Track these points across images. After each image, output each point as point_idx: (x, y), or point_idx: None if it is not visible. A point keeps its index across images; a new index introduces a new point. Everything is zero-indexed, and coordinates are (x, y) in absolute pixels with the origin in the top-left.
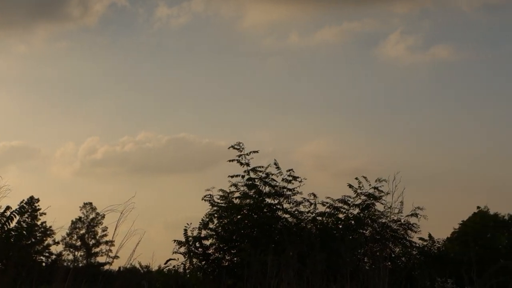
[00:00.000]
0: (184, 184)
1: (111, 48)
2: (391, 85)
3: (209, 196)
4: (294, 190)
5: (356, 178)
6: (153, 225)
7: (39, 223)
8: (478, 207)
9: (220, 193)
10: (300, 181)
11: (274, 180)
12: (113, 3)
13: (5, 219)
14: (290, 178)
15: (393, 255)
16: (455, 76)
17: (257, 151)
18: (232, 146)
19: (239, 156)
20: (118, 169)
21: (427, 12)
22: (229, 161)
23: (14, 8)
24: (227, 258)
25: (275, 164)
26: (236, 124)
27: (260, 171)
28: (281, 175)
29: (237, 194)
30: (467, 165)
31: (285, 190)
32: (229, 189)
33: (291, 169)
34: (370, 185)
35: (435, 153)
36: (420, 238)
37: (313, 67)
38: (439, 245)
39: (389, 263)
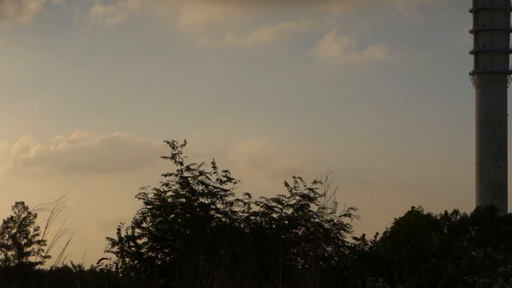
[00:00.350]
0: (119, 183)
1: (45, 47)
2: (326, 85)
3: (143, 195)
4: (228, 191)
5: (294, 177)
6: (87, 224)
7: None
8: (412, 207)
9: (154, 191)
10: (235, 183)
11: (208, 179)
12: (48, 1)
13: None
14: (225, 179)
15: (325, 255)
16: (390, 77)
17: (184, 144)
18: (167, 142)
19: (173, 154)
20: (51, 168)
21: (363, 13)
22: (163, 157)
23: None
24: (160, 257)
25: (212, 163)
26: (171, 123)
27: (194, 170)
28: (216, 174)
29: (170, 193)
30: (401, 165)
31: (219, 190)
32: (163, 188)
33: (227, 171)
34: (305, 186)
35: (370, 153)
36: (354, 238)
37: (249, 67)
38: (371, 244)
39: (322, 262)
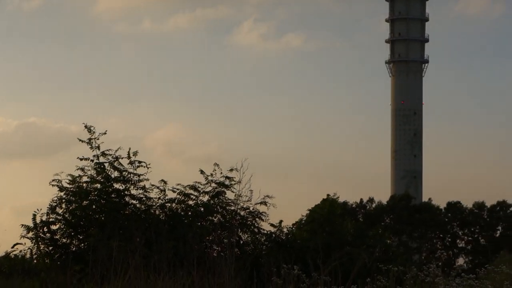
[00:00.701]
0: (35, 169)
1: None
2: (243, 73)
3: (57, 181)
4: (141, 176)
5: (215, 164)
6: (1, 210)
7: None
8: (328, 195)
9: (69, 177)
10: (147, 167)
11: (121, 165)
12: None
13: None
14: (136, 162)
15: (241, 242)
16: (307, 65)
17: (105, 132)
18: (85, 126)
19: (90, 139)
20: None
21: (281, 1)
22: (80, 140)
23: None
24: (74, 243)
25: (128, 154)
26: (88, 109)
27: (110, 155)
28: (133, 157)
29: (85, 179)
30: (318, 153)
31: (132, 175)
32: (78, 174)
33: (136, 151)
34: (221, 173)
35: (287, 141)
36: (271, 225)
37: (166, 54)
38: (287, 232)
39: (237, 249)
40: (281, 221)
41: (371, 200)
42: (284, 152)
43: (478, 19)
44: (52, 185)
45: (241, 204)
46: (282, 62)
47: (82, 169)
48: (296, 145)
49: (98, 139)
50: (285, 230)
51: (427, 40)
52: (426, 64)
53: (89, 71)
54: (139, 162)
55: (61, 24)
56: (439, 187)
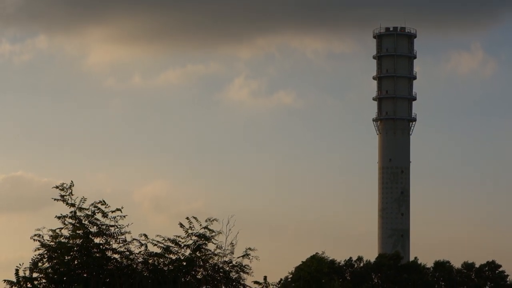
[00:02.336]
0: (20, 223)
1: None
2: (234, 129)
3: (38, 236)
4: (122, 229)
5: (187, 218)
6: None
7: None
8: (316, 253)
9: (50, 233)
10: (121, 216)
11: (98, 220)
12: None
13: None
14: (109, 213)
15: None
16: (296, 122)
17: (72, 185)
18: (56, 186)
19: (63, 196)
20: None
21: (272, 58)
22: (54, 199)
23: None
24: None
25: (103, 202)
26: (76, 164)
27: (87, 209)
28: (108, 211)
29: (66, 233)
30: (304, 210)
31: (112, 228)
32: (60, 230)
33: (104, 203)
34: (201, 225)
35: (274, 198)
36: (255, 282)
37: (155, 109)
38: None
39: None
40: (265, 277)
41: (359, 259)
42: (271, 209)
43: (469, 78)
44: (34, 240)
45: (224, 257)
46: (272, 119)
47: (66, 225)
48: (282, 202)
49: (72, 194)
50: (271, 287)
51: (414, 98)
52: (414, 122)
53: (78, 126)
54: (112, 211)
55: (51, 78)
56: (426, 246)
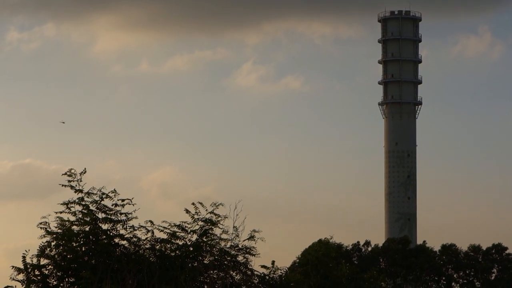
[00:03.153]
0: (29, 210)
1: None
2: (242, 115)
3: (44, 223)
4: (129, 215)
5: (193, 204)
6: None
7: None
8: (325, 238)
9: (58, 220)
10: (131, 203)
11: (106, 206)
12: None
13: None
14: (119, 201)
15: (233, 283)
16: (305, 107)
17: (84, 172)
18: (65, 173)
19: (69, 181)
20: None
21: (279, 44)
22: (62, 185)
23: None
24: (64, 286)
25: (114, 191)
26: (84, 151)
27: (95, 194)
28: (116, 196)
29: (73, 218)
30: (311, 195)
31: (119, 213)
32: (67, 217)
33: (114, 191)
34: (207, 210)
35: (283, 183)
36: (263, 266)
37: (163, 96)
38: (281, 274)
39: None
40: (273, 262)
41: (367, 243)
42: (279, 194)
43: (476, 61)
44: (40, 227)
45: (231, 242)
46: (280, 104)
47: (74, 213)
48: (290, 186)
49: (81, 180)
50: (278, 272)
51: (420, 82)
52: (420, 106)
53: (86, 113)
54: (123, 200)
55: (59, 66)
56: (433, 229)
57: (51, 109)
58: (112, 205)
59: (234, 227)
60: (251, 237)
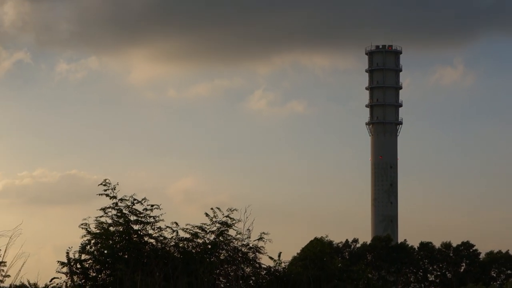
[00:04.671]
0: (73, 213)
1: (16, 99)
2: (253, 133)
3: (85, 225)
4: (156, 218)
5: (211, 209)
6: (44, 248)
7: None
8: (321, 237)
9: (97, 222)
10: (159, 208)
11: (137, 210)
12: (19, 60)
13: None
14: (149, 206)
15: (244, 275)
16: (307, 127)
17: (117, 184)
18: (101, 184)
19: (106, 190)
20: (15, 200)
21: (286, 74)
22: (98, 194)
23: None
24: (102, 277)
25: (145, 199)
26: (121, 163)
27: (127, 200)
28: (145, 202)
29: (109, 221)
30: (310, 200)
31: (148, 216)
32: (105, 220)
33: (145, 198)
34: (223, 214)
35: (286, 190)
36: (270, 257)
37: (187, 117)
38: (284, 267)
39: (241, 281)
40: (280, 253)
41: (355, 240)
42: (283, 199)
43: (451, 88)
44: (82, 228)
45: (242, 241)
46: (286, 125)
47: (111, 218)
48: (292, 193)
49: (114, 189)
50: (282, 265)
51: (401, 105)
52: (400, 125)
53: (122, 133)
54: (152, 206)
55: (100, 92)
56: (412, 229)
57: (94, 128)
58: (143, 209)
59: (247, 230)
60: (260, 238)
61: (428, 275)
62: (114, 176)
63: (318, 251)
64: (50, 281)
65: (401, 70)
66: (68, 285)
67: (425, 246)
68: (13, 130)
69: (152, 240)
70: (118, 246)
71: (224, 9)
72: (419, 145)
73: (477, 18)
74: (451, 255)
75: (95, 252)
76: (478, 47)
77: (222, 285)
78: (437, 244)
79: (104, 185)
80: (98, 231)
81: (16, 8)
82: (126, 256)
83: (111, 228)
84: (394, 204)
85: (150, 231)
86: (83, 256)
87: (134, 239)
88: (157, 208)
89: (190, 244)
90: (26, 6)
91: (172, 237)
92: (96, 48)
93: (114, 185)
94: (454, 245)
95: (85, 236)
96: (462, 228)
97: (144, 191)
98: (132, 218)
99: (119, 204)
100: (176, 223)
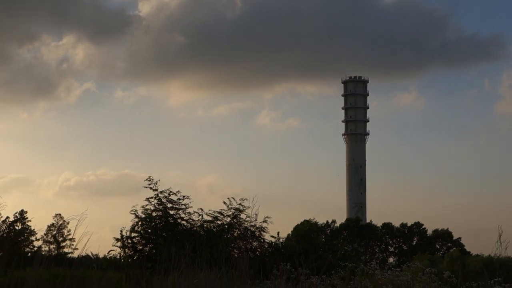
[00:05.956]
0: (126, 202)
1: (85, 118)
2: (260, 142)
3: (134, 211)
4: (187, 205)
5: (228, 198)
6: (104, 228)
7: (28, 226)
8: (310, 219)
9: (142, 209)
10: (190, 200)
11: (173, 200)
12: (87, 89)
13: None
14: (182, 197)
15: (252, 248)
16: (301, 137)
17: (159, 180)
18: (146, 180)
19: (150, 184)
20: (84, 192)
21: (285, 98)
22: (144, 187)
23: (22, 89)
24: (146, 250)
25: (177, 192)
26: (161, 165)
27: (165, 192)
28: (178, 193)
29: (152, 208)
30: (301, 192)
31: (180, 204)
32: (149, 207)
33: (178, 191)
34: (236, 202)
35: (282, 183)
36: (272, 236)
37: (211, 131)
38: (281, 242)
39: (250, 253)
40: (278, 232)
41: (334, 221)
42: (281, 191)
43: (406, 109)
44: (131, 213)
45: (251, 223)
46: (285, 136)
47: (151, 204)
48: (288, 186)
49: (156, 183)
50: (280, 240)
51: (368, 121)
52: (368, 136)
53: (163, 141)
54: (183, 196)
55: (147, 113)
56: (377, 213)
57: (141, 139)
58: (177, 199)
59: (255, 214)
60: (264, 221)
61: (389, 247)
62: (156, 174)
63: (306, 230)
64: (108, 252)
65: (368, 95)
66: (121, 255)
67: (387, 226)
68: (83, 140)
69: (183, 222)
70: (158, 226)
71: (239, 51)
72: (382, 150)
73: (426, 57)
74: (406, 232)
75: (141, 231)
76: (427, 78)
77: (235, 256)
78: (395, 224)
79: (149, 181)
80: (143, 215)
81: (85, 51)
82: (164, 234)
83: (153, 213)
84: (363, 194)
85: (182, 215)
86: (133, 234)
87: (170, 221)
88: (187, 198)
89: (212, 224)
90: (92, 49)
91: (198, 219)
92: (143, 79)
93: (156, 181)
94: (409, 224)
95: (134, 219)
96: (414, 212)
97: (178, 186)
98: (169, 205)
99: (159, 195)
100: (201, 209)
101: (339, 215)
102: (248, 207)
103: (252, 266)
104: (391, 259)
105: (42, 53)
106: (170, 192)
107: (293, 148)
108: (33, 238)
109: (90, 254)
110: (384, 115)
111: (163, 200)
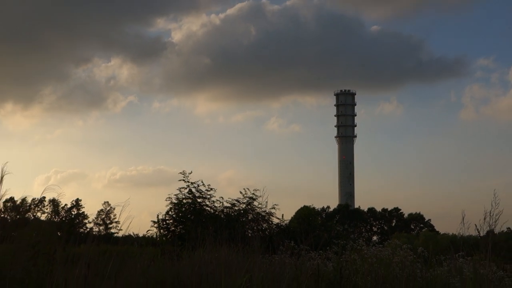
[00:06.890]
0: (162, 192)
1: (129, 125)
2: (269, 144)
3: (168, 199)
4: (211, 194)
5: (244, 189)
6: (143, 213)
7: (82, 211)
8: (310, 205)
9: (175, 197)
10: (213, 189)
11: (201, 190)
12: (130, 101)
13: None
14: (209, 189)
15: (262, 228)
16: (302, 140)
17: (191, 172)
18: (180, 173)
19: (184, 177)
20: (127, 184)
21: (289, 108)
22: (179, 180)
23: (78, 102)
24: (178, 230)
25: (206, 185)
26: (191, 161)
27: (194, 183)
28: (206, 186)
29: (183, 196)
30: (303, 183)
31: (206, 193)
32: (180, 195)
33: (209, 185)
34: (251, 192)
35: (287, 176)
36: (278, 218)
37: (230, 134)
38: (286, 223)
39: (261, 233)
40: (283, 215)
41: (328, 207)
42: (286, 182)
43: (388, 116)
44: (167, 200)
45: (262, 208)
46: (289, 139)
47: (181, 192)
48: (291, 178)
49: (188, 176)
50: (285, 222)
51: (356, 125)
52: (356, 138)
53: (192, 144)
54: (211, 188)
55: (178, 121)
56: (363, 200)
57: (174, 139)
58: (205, 190)
59: (265, 201)
60: (273, 207)
61: (373, 227)
62: (187, 169)
63: (306, 214)
64: (146, 232)
65: (356, 105)
66: (157, 235)
67: (371, 210)
68: (127, 142)
69: (208, 208)
70: (188, 211)
71: (253, 69)
72: (368, 150)
73: (404, 74)
74: (387, 215)
75: (174, 215)
76: (405, 91)
77: (249, 235)
78: (378, 209)
79: (183, 174)
80: (176, 202)
81: (128, 70)
82: (192, 218)
83: (184, 201)
84: (352, 185)
85: (207, 202)
86: (166, 217)
87: (198, 207)
88: (212, 189)
89: (230, 210)
90: (134, 69)
91: (220, 206)
92: (176, 93)
93: (188, 174)
94: (389, 209)
95: (168, 205)
96: (394, 199)
97: (205, 178)
98: (197, 194)
99: (190, 186)
100: (222, 197)
101: (333, 202)
102: (260, 196)
103: (263, 243)
104: (375, 238)
105: (94, 73)
106: (201, 183)
107: (296, 148)
108: (86, 221)
109: (132, 234)
110: (370, 121)
111: (192, 190)
